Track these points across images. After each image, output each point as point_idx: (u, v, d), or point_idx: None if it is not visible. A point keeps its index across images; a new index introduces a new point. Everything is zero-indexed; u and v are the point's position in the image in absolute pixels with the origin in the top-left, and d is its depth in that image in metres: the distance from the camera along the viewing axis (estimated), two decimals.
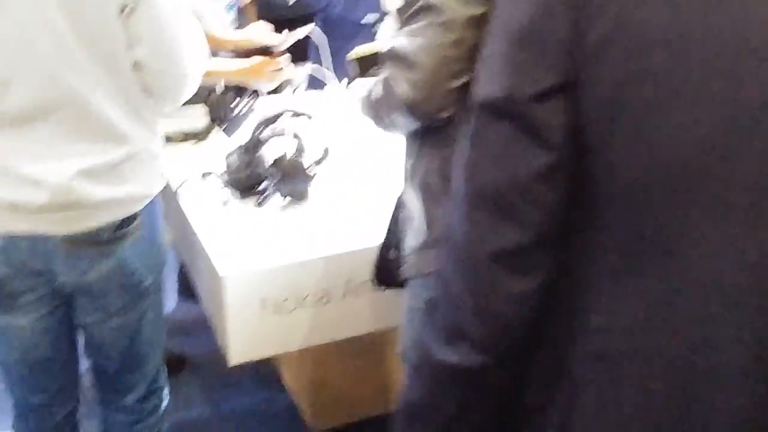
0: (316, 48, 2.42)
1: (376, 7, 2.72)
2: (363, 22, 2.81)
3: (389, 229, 1.61)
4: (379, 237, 1.62)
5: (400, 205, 1.58)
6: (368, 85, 1.43)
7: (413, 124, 1.27)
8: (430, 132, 1.27)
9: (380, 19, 2.70)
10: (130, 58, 1.36)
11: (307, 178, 1.82)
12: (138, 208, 1.45)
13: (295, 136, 1.86)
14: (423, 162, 1.31)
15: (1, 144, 1.33)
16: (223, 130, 2.23)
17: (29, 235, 1.37)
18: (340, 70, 2.30)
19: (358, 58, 1.58)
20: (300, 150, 1.89)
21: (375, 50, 1.56)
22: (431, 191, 1.29)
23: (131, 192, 1.42)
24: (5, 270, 1.40)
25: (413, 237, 1.36)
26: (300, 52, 2.37)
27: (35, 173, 1.33)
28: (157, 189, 1.50)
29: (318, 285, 1.62)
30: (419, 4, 1.19)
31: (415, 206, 1.36)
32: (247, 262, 1.57)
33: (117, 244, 1.43)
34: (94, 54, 1.32)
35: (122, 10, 1.32)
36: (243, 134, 2.03)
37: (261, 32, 2.22)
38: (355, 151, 2.10)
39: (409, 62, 1.18)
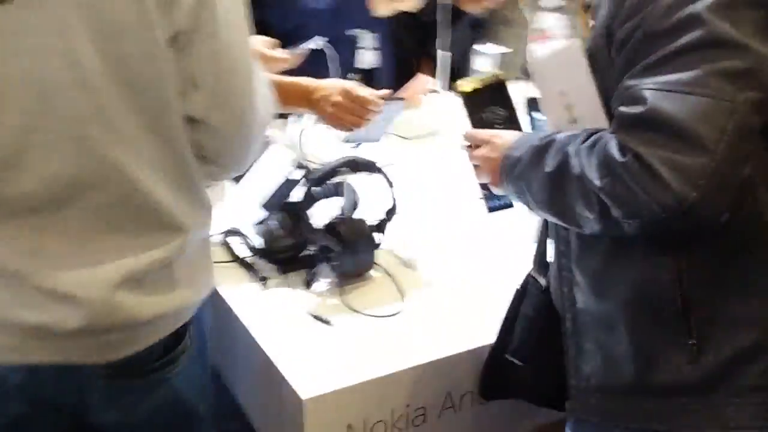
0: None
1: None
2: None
3: (505, 326, 1.25)
4: (487, 335, 1.26)
5: (533, 297, 1.21)
6: (518, 145, 1.06)
7: (651, 227, 0.87)
8: (660, 231, 0.90)
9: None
10: (181, 110, 0.95)
11: (372, 245, 1.42)
12: (188, 317, 1.03)
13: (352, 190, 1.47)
14: (636, 271, 0.95)
15: (14, 242, 0.89)
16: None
17: (57, 364, 0.94)
18: None
19: (467, 92, 1.19)
20: (352, 205, 1.50)
21: (491, 80, 1.19)
22: (662, 316, 0.94)
23: (185, 299, 1.00)
24: (23, 409, 0.97)
25: (606, 370, 1.01)
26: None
27: (64, 284, 0.90)
28: (209, 288, 1.08)
29: (413, 401, 1.23)
30: (694, 35, 0.82)
31: (606, 330, 1.00)
32: (326, 379, 1.17)
33: (168, 369, 1.01)
34: (137, 106, 0.90)
35: (173, 41, 0.91)
36: (256, 181, 1.61)
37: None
38: (443, 211, 1.72)
39: (683, 136, 0.81)
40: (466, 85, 1.17)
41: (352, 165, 1.41)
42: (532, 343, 1.21)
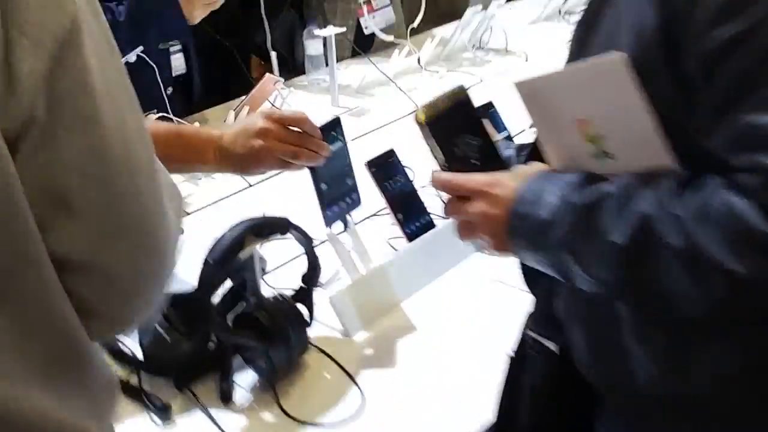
0: None
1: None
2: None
3: (505, 404, 0.99)
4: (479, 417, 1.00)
5: None
6: (534, 198, 0.77)
7: None
8: None
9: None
10: (44, 253, 0.56)
11: (302, 325, 1.08)
12: None
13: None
14: (743, 340, 0.71)
15: None
16: None
17: None
18: None
19: (428, 121, 0.86)
20: (258, 277, 1.14)
21: (454, 98, 0.88)
22: None
23: None
24: None
25: None
26: None
27: None
28: None
29: None
30: None
31: (692, 418, 0.76)
32: None
33: None
34: None
35: (20, 139, 0.52)
36: None
37: None
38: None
39: None
40: (425, 111, 0.85)
41: (256, 229, 1.04)
42: (547, 420, 0.96)
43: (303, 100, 2.04)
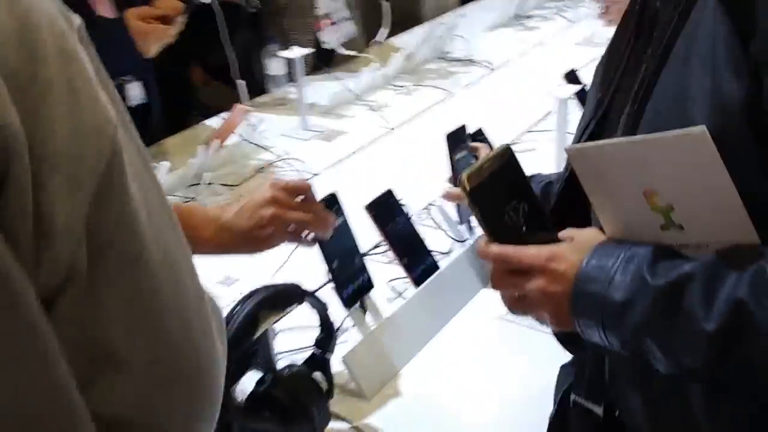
0: None
1: None
2: None
3: None
4: None
5: None
6: (601, 275, 0.71)
7: None
8: None
9: None
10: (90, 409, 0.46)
11: (323, 398, 0.99)
12: None
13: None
14: None
15: None
16: None
17: None
18: None
19: (475, 188, 0.76)
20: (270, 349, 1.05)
21: (500, 159, 0.80)
22: None
23: None
24: None
25: None
26: None
27: None
28: None
29: None
30: None
31: None
32: None
33: None
34: None
35: (52, 296, 0.43)
36: None
37: None
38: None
39: None
40: (470, 178, 0.77)
41: (270, 302, 0.95)
42: None
43: (274, 126, 1.93)
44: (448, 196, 1.32)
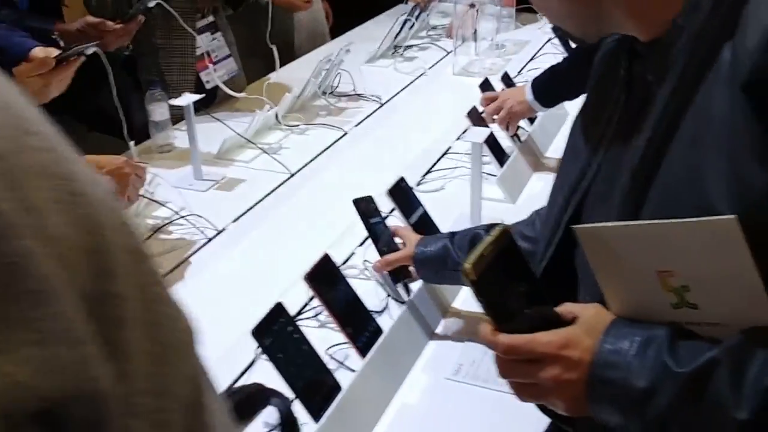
0: None
1: None
2: None
3: None
4: None
5: None
6: (620, 362, 0.68)
7: None
8: None
9: None
10: None
11: None
12: None
13: None
14: None
15: None
16: None
17: None
18: None
19: (479, 276, 0.71)
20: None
21: (499, 241, 0.74)
22: None
23: None
24: None
25: None
26: None
27: None
28: None
29: None
30: None
31: None
32: None
33: None
34: None
35: None
36: None
37: None
38: None
39: None
40: (474, 266, 0.71)
41: (237, 410, 0.85)
42: None
43: (168, 177, 1.78)
44: (379, 268, 1.29)
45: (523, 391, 0.77)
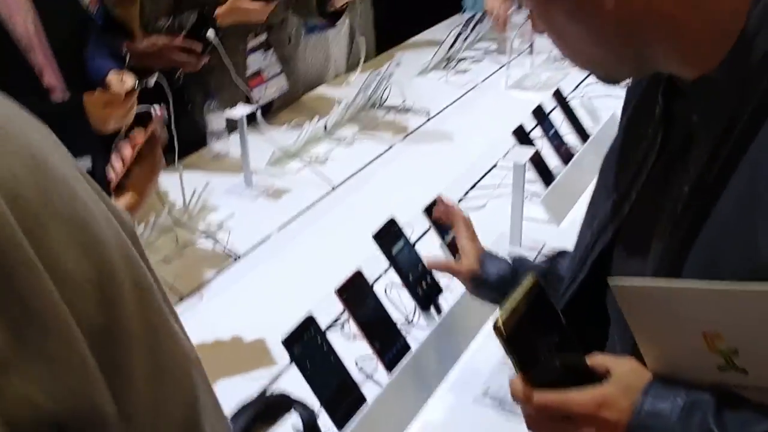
0: None
1: None
2: None
3: None
4: None
5: None
6: (657, 424, 0.67)
7: None
8: None
9: None
10: None
11: None
12: None
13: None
14: None
15: None
16: None
17: None
18: None
19: (509, 327, 0.69)
20: None
21: (530, 293, 0.73)
22: None
23: None
24: None
25: None
26: None
27: None
28: None
29: None
30: None
31: None
32: None
33: None
34: None
35: None
36: None
37: None
38: None
39: None
40: (505, 320, 0.69)
41: (261, 415, 0.89)
42: None
43: (221, 183, 1.85)
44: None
45: None
